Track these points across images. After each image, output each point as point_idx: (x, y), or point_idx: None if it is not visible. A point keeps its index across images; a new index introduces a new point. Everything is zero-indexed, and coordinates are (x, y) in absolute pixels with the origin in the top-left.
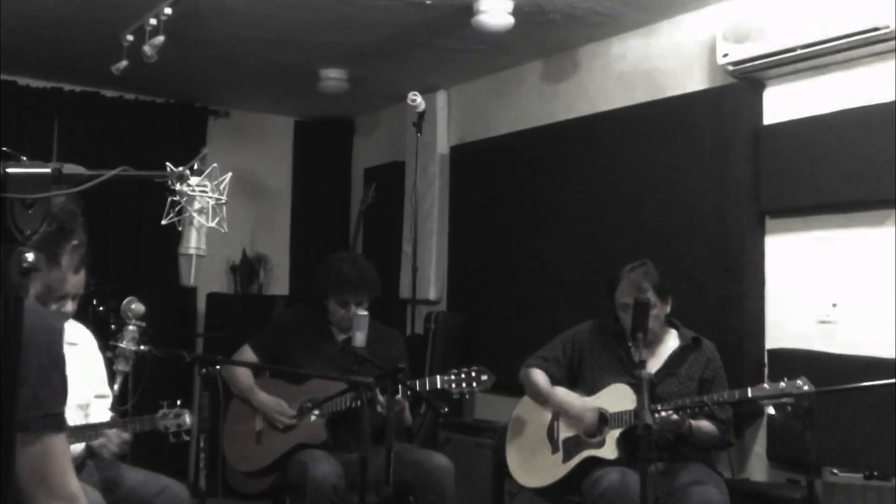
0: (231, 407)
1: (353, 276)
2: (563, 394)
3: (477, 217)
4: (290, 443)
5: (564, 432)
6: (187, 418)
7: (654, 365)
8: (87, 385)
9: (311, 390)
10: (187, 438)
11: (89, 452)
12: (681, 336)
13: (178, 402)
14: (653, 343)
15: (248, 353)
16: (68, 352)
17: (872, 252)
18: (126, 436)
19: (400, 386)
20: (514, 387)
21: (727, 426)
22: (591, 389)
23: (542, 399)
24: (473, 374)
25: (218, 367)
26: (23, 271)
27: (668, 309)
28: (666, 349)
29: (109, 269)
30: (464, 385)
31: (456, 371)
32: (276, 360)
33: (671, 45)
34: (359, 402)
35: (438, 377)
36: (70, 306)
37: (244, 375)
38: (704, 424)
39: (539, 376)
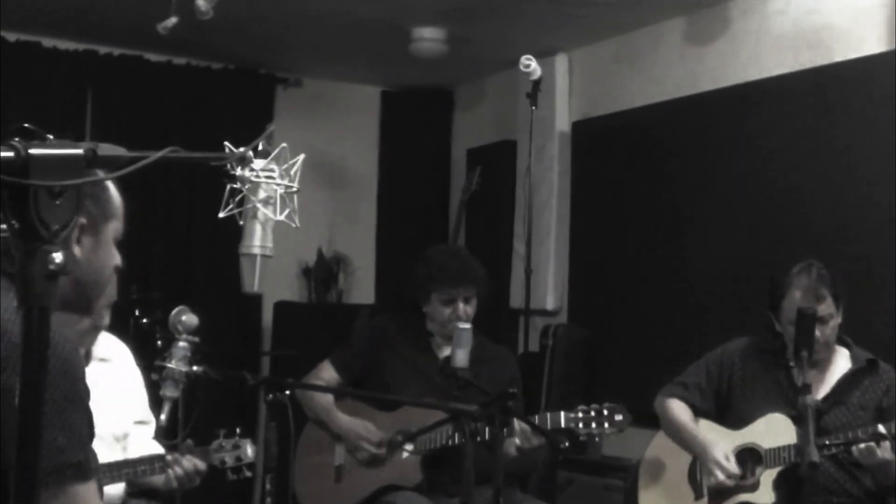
0: (304, 435)
1: (456, 265)
2: (706, 432)
3: (604, 209)
4: (377, 483)
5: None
6: (248, 450)
7: (821, 391)
8: (124, 411)
9: (403, 419)
10: (249, 475)
11: (128, 494)
12: (853, 357)
13: (238, 431)
14: (821, 364)
15: (328, 372)
16: (99, 371)
17: None
18: (200, 464)
19: (511, 416)
20: (649, 418)
21: None
22: (741, 420)
23: (681, 438)
24: (606, 412)
25: (288, 392)
26: (49, 275)
27: (841, 320)
28: (835, 372)
29: (155, 272)
30: (594, 425)
31: (584, 407)
32: (363, 380)
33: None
34: (459, 436)
35: (563, 414)
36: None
37: (320, 393)
38: None
39: (678, 409)
